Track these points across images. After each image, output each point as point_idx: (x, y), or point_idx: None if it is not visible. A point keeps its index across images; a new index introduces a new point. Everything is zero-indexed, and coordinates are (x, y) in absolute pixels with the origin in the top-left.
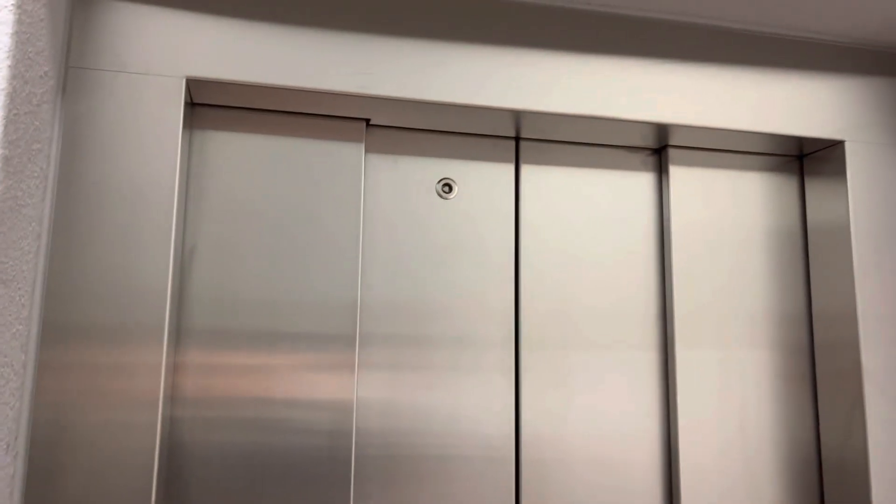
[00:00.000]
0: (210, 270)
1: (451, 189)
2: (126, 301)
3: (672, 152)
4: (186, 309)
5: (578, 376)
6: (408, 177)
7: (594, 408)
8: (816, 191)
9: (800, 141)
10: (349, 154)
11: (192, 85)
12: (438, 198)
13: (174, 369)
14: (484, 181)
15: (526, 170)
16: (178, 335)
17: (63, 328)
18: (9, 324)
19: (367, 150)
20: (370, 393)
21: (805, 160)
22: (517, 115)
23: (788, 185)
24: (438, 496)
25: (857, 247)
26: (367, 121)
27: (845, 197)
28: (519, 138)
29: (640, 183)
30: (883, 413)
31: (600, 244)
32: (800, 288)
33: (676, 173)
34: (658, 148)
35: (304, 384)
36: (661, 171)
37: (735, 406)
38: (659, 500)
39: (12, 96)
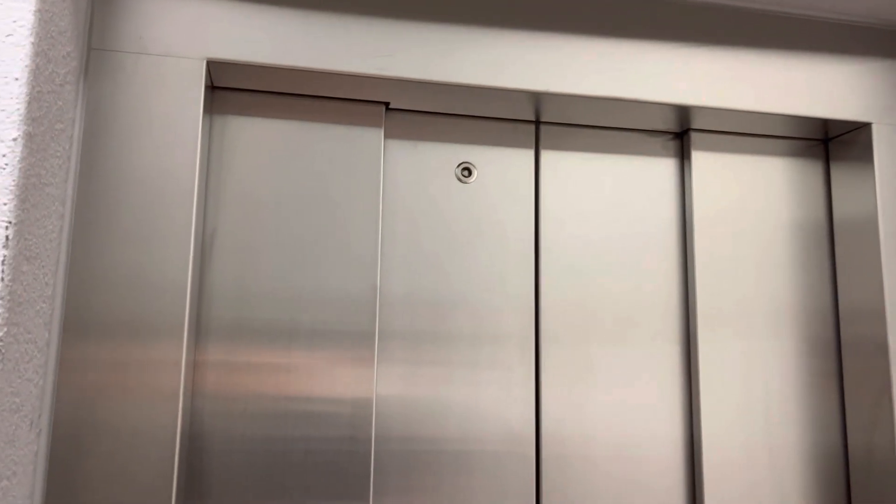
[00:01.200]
0: (229, 259)
1: (470, 173)
2: (147, 287)
3: (694, 136)
4: (206, 299)
5: (599, 369)
6: (427, 161)
7: (616, 401)
8: (843, 176)
9: (825, 123)
10: (368, 139)
11: (213, 67)
12: (458, 182)
13: (194, 359)
14: (504, 166)
15: (546, 154)
16: (198, 325)
17: (85, 310)
18: (33, 301)
19: (386, 135)
20: (389, 386)
21: (830, 144)
22: (537, 98)
23: (814, 170)
24: (458, 490)
25: (885, 236)
26: (387, 104)
27: (872, 181)
28: (539, 122)
29: (662, 168)
30: None
31: (621, 231)
32: (826, 279)
33: (699, 158)
34: (680, 132)
35: (323, 378)
36: (683, 156)
37: (759, 401)
38: (682, 496)
39: (35, 73)
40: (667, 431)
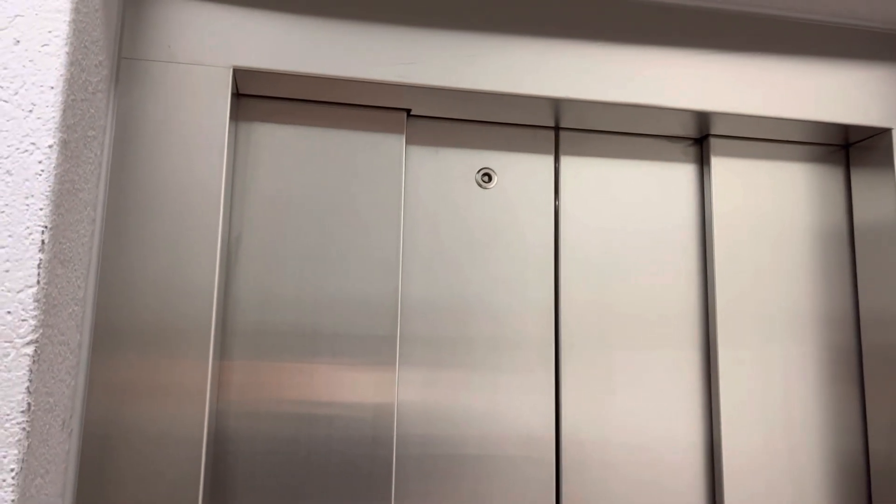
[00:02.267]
0: (253, 265)
1: (490, 179)
2: (175, 291)
3: (714, 142)
4: (231, 304)
5: (619, 374)
6: (448, 167)
7: (636, 406)
8: (863, 182)
9: (845, 129)
10: (390, 145)
11: (239, 75)
12: (478, 188)
13: (220, 362)
14: (523, 171)
15: (566, 160)
16: (224, 329)
17: (115, 315)
18: (66, 303)
19: (407, 141)
20: (411, 391)
21: (851, 150)
22: (557, 104)
23: (834, 176)
24: (478, 494)
25: None
26: (408, 111)
27: (893, 187)
28: (559, 128)
29: (681, 174)
30: None
31: (640, 237)
32: (846, 285)
33: (718, 164)
34: (699, 137)
35: (345, 381)
36: (703, 162)
37: (779, 407)
38: (702, 501)
39: (70, 82)
40: (686, 436)
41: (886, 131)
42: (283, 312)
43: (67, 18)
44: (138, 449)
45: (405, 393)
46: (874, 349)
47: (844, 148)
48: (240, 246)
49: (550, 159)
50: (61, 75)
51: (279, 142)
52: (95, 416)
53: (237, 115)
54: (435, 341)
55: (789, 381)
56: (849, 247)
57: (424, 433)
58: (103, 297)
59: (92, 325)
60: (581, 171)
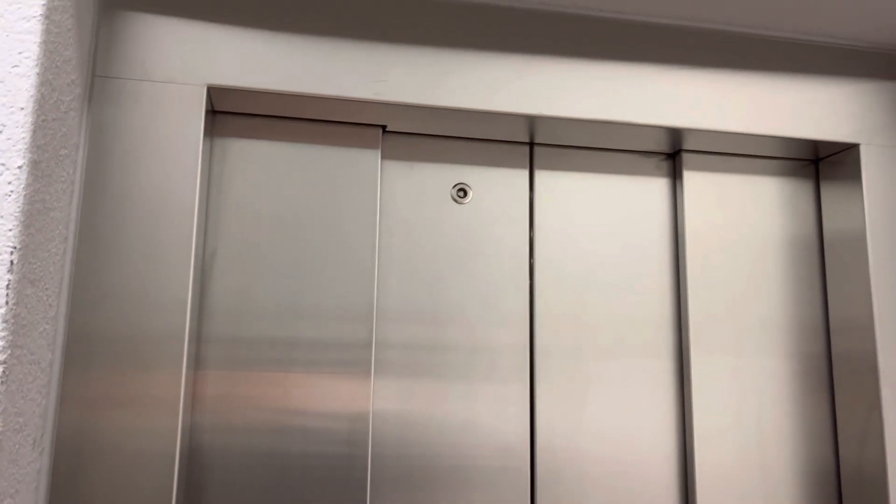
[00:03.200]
0: (229, 278)
1: (465, 194)
2: (148, 307)
3: (686, 157)
4: (206, 316)
5: (594, 384)
6: (423, 182)
7: (610, 416)
8: (832, 195)
9: (815, 145)
10: (366, 160)
11: (213, 93)
12: (454, 203)
13: (194, 375)
14: (499, 186)
15: (540, 175)
16: (199, 342)
17: (88, 330)
18: (36, 322)
19: (383, 157)
20: (386, 401)
21: (820, 164)
22: (531, 121)
23: (804, 190)
24: (455, 498)
25: (873, 252)
26: (384, 127)
27: (861, 201)
28: (533, 143)
29: (655, 188)
30: None
31: (614, 250)
32: (816, 295)
33: (691, 178)
34: (672, 153)
35: (321, 392)
36: (676, 176)
37: (751, 415)
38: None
39: (41, 102)
40: (660, 445)
41: (854, 147)
42: (258, 324)
43: (38, 40)
44: (111, 465)
45: (381, 403)
46: (843, 357)
47: (814, 162)
48: (215, 260)
49: (525, 174)
50: (31, 96)
51: (254, 157)
52: (67, 434)
53: (212, 131)
54: (410, 352)
55: (761, 389)
56: (818, 258)
57: (400, 443)
58: (76, 314)
59: (64, 343)
60: (555, 186)
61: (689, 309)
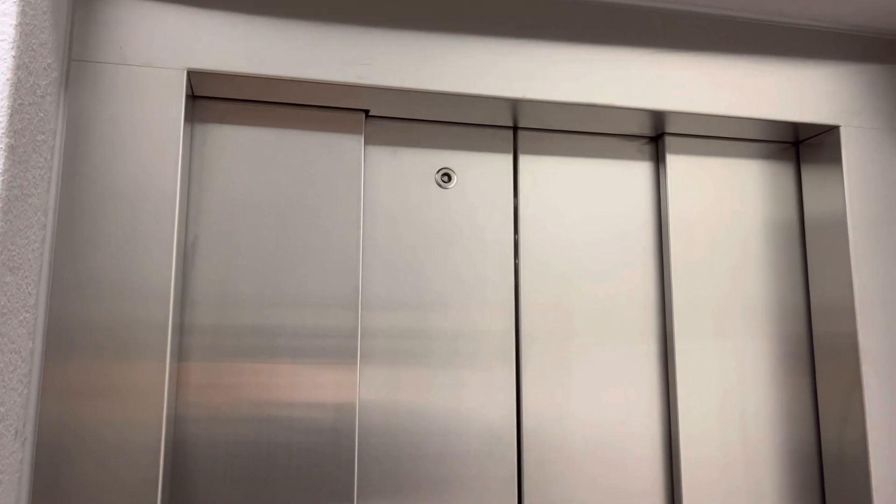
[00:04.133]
0: (211, 266)
1: (450, 179)
2: (130, 295)
3: (669, 140)
4: (189, 305)
5: (579, 369)
6: (407, 167)
7: (595, 400)
8: (813, 178)
9: (795, 127)
10: (349, 145)
11: (194, 77)
12: (438, 187)
13: (178, 365)
14: (483, 171)
15: (524, 159)
16: (182, 331)
17: (69, 319)
18: (16, 311)
19: (366, 142)
20: (372, 389)
21: (801, 147)
22: (515, 105)
23: (785, 172)
24: (441, 489)
25: (853, 234)
26: (367, 112)
27: (841, 183)
28: (517, 128)
29: (638, 172)
30: (881, 399)
31: (598, 234)
32: (798, 278)
33: (673, 161)
34: (655, 136)
35: (307, 381)
36: (659, 160)
37: (734, 397)
38: (660, 490)
39: (17, 86)
40: (645, 427)
41: (834, 129)
42: (242, 313)
43: (13, 22)
44: (95, 455)
45: (367, 391)
46: (824, 340)
47: (794, 145)
48: (197, 247)
49: (509, 158)
50: (7, 79)
51: (236, 143)
52: (49, 424)
53: (192, 116)
54: (396, 340)
55: (744, 372)
56: (799, 240)
57: (386, 431)
58: (56, 302)
59: (44, 331)
60: (539, 170)
61: (672, 292)
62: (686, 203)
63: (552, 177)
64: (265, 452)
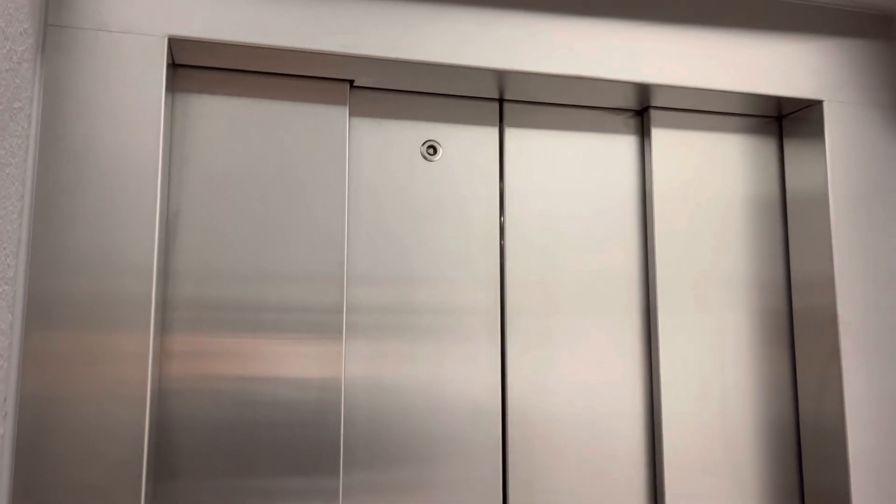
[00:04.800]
0: (194, 238)
1: (435, 151)
2: (112, 268)
3: (654, 113)
4: (171, 279)
5: (564, 343)
6: (392, 139)
7: (580, 374)
8: (795, 152)
9: (779, 101)
10: (333, 117)
11: (175, 45)
12: (423, 160)
13: (161, 341)
14: (468, 143)
15: (510, 132)
16: (165, 303)
17: (49, 292)
18: None
19: (351, 113)
20: (357, 364)
21: (784, 121)
22: (501, 76)
23: (768, 147)
24: (426, 465)
25: (834, 208)
26: (351, 82)
27: (823, 158)
28: (503, 100)
29: (623, 146)
30: (859, 372)
31: (584, 207)
32: (779, 252)
33: (658, 135)
34: (640, 109)
35: (292, 356)
36: (644, 134)
37: (715, 369)
38: (642, 461)
39: None
40: (628, 401)
41: (817, 103)
42: (226, 287)
43: None
44: (77, 429)
45: (352, 366)
46: (804, 313)
47: (778, 120)
48: (179, 220)
49: (495, 131)
50: None
51: (218, 113)
52: (31, 398)
53: (174, 85)
54: (381, 314)
55: (725, 346)
56: (781, 215)
57: (372, 405)
58: (36, 275)
59: (24, 305)
60: (525, 143)
61: (656, 266)
62: (670, 177)
63: (538, 150)
64: (250, 426)
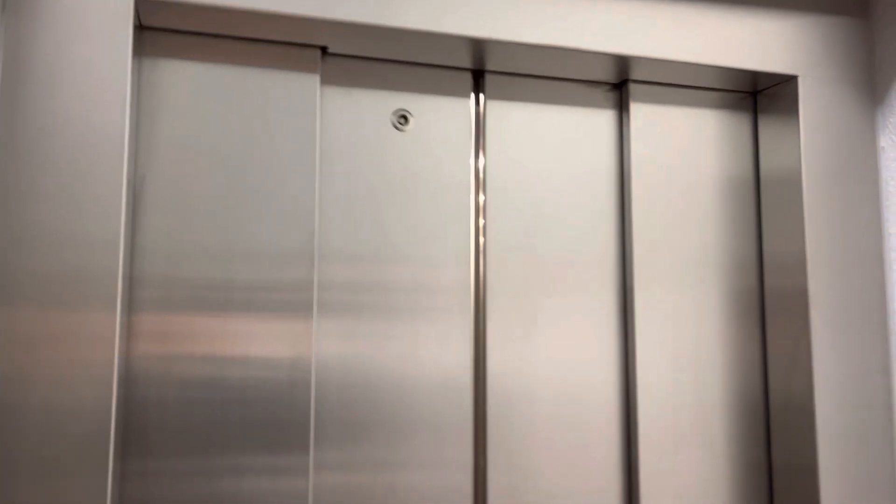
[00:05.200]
0: (160, 213)
1: (407, 121)
2: (76, 242)
3: (633, 87)
4: (137, 254)
5: (540, 319)
6: (364, 109)
7: (556, 350)
8: (769, 130)
9: (754, 76)
10: (304, 84)
11: (141, 6)
12: (395, 130)
13: (129, 319)
14: (442, 114)
15: (486, 104)
16: (132, 280)
17: (9, 267)
18: None
19: (322, 81)
20: (328, 340)
21: (759, 97)
22: (477, 45)
23: (743, 124)
24: (397, 433)
25: (807, 184)
26: (324, 49)
27: (797, 135)
28: (479, 70)
29: (602, 121)
30: (829, 348)
31: (562, 182)
32: (751, 229)
33: (637, 110)
34: (619, 82)
35: (261, 334)
36: (622, 108)
37: (689, 346)
38: (618, 434)
39: None
40: (604, 377)
41: (792, 78)
42: (194, 263)
43: None
44: (43, 409)
45: (323, 343)
46: (775, 291)
47: (753, 95)
48: (144, 190)
49: (469, 102)
50: None
51: (186, 79)
52: None
53: (140, 49)
54: (352, 292)
55: (699, 323)
56: (755, 194)
57: (343, 384)
58: None
59: None
60: (501, 115)
61: (633, 244)
62: (648, 153)
63: (515, 122)
64: (219, 405)
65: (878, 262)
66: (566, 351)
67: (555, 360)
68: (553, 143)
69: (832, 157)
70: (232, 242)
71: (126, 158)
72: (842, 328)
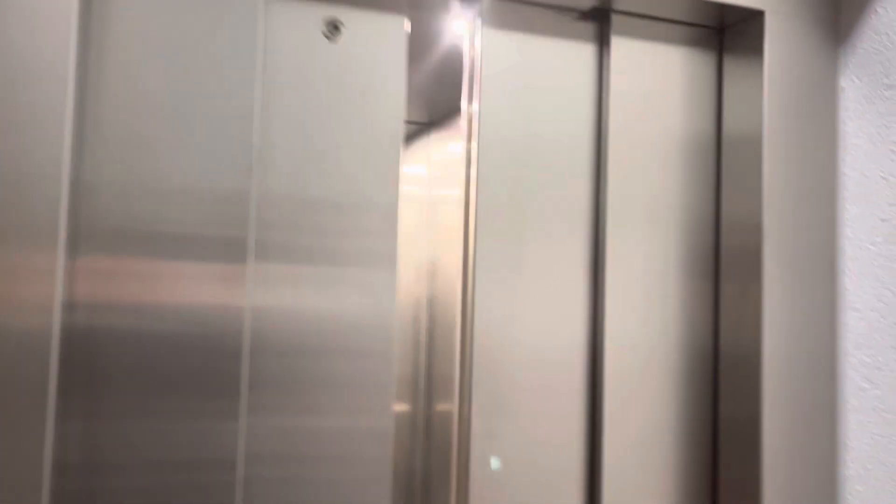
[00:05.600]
0: (102, 145)
1: (337, 29)
2: (17, 179)
3: (614, 19)
4: (78, 193)
5: (513, 265)
6: (293, 19)
7: (530, 297)
8: (734, 72)
9: (721, 9)
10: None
11: None
12: (325, 40)
13: (71, 258)
14: (375, 28)
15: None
16: (75, 217)
17: None
18: None
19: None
20: (264, 287)
21: (726, 35)
22: None
23: (709, 66)
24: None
25: (768, 132)
26: None
27: (761, 77)
28: None
29: (583, 58)
30: (779, 308)
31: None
32: (712, 181)
33: (617, 45)
34: (601, 9)
35: (196, 275)
36: (603, 43)
37: (651, 302)
38: (583, 388)
39: None
40: (572, 328)
41: (759, 13)
42: (134, 202)
43: None
44: None
45: (258, 288)
46: (730, 248)
47: (720, 32)
48: (86, 123)
49: (403, 18)
50: None
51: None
52: None
53: None
54: (290, 234)
55: (661, 280)
56: (715, 147)
57: (278, 334)
58: None
59: None
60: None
61: (607, 194)
62: (626, 94)
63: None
64: (155, 345)
65: (831, 201)
66: (541, 299)
67: (532, 312)
68: (530, 76)
69: (794, 102)
70: (171, 184)
71: (71, 87)
72: (792, 287)
